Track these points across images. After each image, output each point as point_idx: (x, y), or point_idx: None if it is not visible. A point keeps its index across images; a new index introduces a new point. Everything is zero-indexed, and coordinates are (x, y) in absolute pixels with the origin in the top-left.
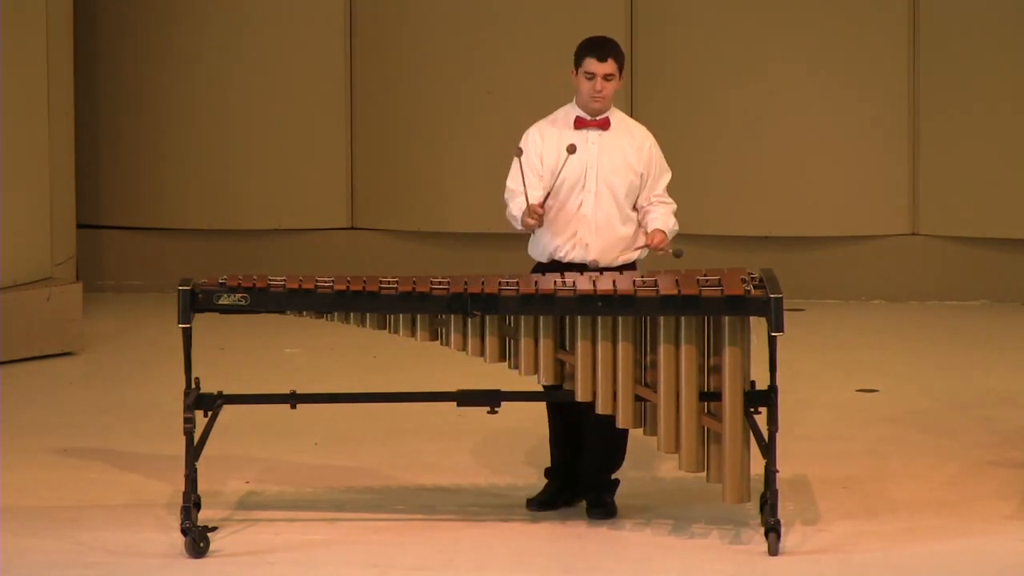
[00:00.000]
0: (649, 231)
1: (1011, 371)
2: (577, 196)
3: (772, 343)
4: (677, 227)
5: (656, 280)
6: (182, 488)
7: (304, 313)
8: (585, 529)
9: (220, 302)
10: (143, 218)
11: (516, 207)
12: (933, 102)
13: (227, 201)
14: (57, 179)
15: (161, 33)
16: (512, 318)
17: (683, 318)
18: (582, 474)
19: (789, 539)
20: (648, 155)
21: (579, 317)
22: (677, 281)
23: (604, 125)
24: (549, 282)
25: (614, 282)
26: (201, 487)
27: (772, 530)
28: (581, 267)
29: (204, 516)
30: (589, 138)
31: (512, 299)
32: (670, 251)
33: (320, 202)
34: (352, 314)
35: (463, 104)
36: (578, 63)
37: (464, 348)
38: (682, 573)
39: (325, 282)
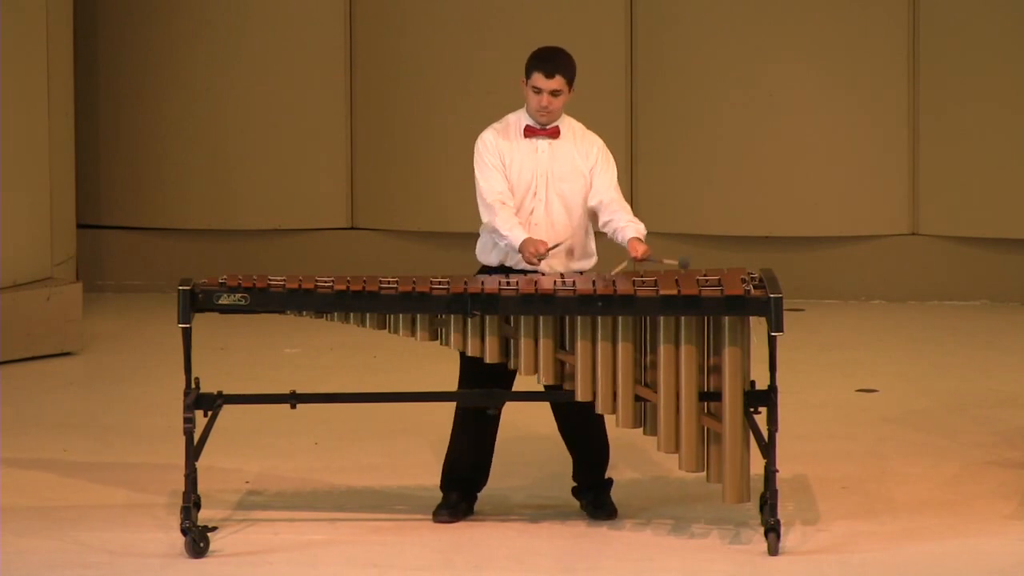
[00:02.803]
0: (626, 243)
1: (1011, 371)
2: (529, 204)
3: (772, 343)
4: (645, 230)
5: (656, 280)
6: (182, 488)
7: (304, 313)
8: (585, 529)
9: (220, 302)
10: (143, 218)
11: (507, 228)
12: (933, 102)
13: (227, 201)
14: (57, 179)
15: (161, 33)
16: (512, 318)
17: (683, 318)
18: (579, 478)
19: (789, 539)
20: (596, 155)
21: (579, 317)
22: (677, 281)
23: (554, 134)
24: (549, 282)
25: (614, 282)
26: (201, 487)
27: (772, 530)
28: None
29: (204, 516)
30: (539, 146)
31: (512, 299)
32: (674, 262)
33: (320, 202)
34: (352, 314)
35: (463, 104)
36: (527, 74)
37: (464, 348)
38: (682, 573)
39: (325, 282)
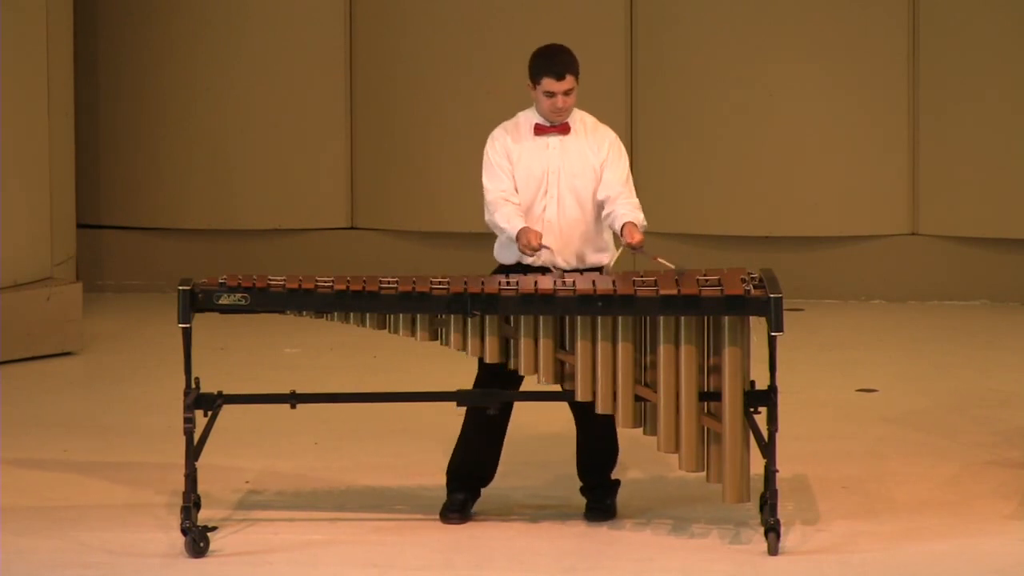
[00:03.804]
0: (621, 229)
1: (1011, 371)
2: (540, 201)
3: (772, 343)
4: (645, 222)
5: (656, 280)
6: (182, 488)
7: (304, 313)
8: (585, 529)
9: (220, 302)
10: (143, 218)
11: (504, 220)
12: (933, 102)
13: (227, 201)
14: (57, 179)
15: (161, 33)
16: (512, 318)
17: (683, 318)
18: (583, 478)
19: (789, 539)
20: (607, 149)
21: (579, 317)
22: (677, 281)
23: (564, 130)
24: (549, 282)
25: (614, 282)
26: (201, 487)
27: (772, 530)
28: (546, 270)
29: (204, 516)
30: (550, 143)
31: (512, 299)
32: (671, 266)
33: (320, 202)
34: (352, 314)
35: (463, 104)
36: (535, 80)
37: (464, 348)
38: (682, 573)
39: (325, 282)
